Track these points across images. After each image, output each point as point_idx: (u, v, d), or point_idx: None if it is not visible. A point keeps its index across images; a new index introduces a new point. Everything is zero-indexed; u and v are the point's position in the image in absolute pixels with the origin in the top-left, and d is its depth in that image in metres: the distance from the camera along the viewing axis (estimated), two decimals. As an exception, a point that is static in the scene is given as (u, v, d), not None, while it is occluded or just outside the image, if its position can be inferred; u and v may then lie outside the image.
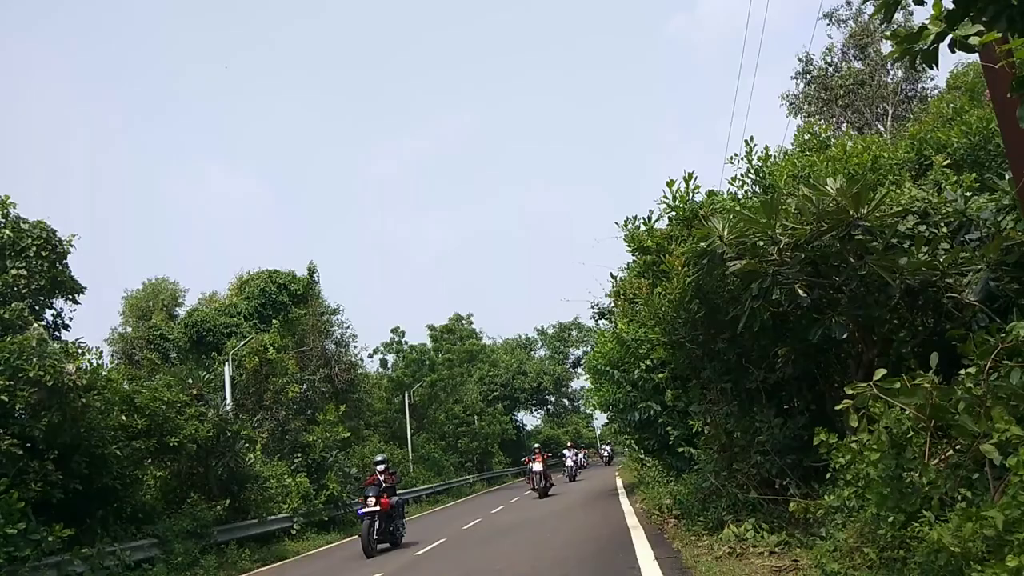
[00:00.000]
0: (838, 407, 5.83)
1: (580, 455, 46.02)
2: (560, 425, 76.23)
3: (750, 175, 15.10)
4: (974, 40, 3.45)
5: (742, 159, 15.18)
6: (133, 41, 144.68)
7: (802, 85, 32.25)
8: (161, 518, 14.99)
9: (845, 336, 7.50)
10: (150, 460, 15.89)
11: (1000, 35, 3.53)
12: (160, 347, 34.55)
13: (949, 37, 3.94)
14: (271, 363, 24.63)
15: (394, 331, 55.47)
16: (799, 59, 32.16)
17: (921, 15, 30.85)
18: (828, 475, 6.63)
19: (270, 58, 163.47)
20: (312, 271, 39.64)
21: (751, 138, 15.54)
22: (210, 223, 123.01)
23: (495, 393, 62.15)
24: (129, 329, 37.05)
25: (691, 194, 14.60)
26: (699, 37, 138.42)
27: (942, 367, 5.60)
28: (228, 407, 20.81)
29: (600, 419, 49.05)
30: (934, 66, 4.21)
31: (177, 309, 39.53)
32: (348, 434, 23.91)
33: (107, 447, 13.37)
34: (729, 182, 15.40)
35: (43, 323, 16.43)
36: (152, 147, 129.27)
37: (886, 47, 27.61)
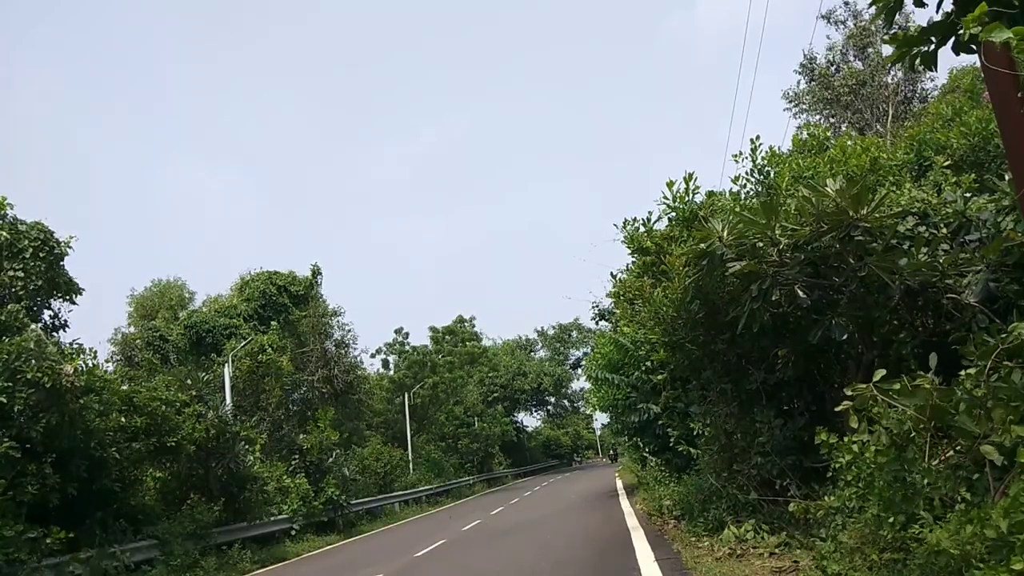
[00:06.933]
0: (838, 408, 5.81)
1: None
2: (560, 426, 76.19)
3: (754, 174, 15.08)
4: (1000, 37, 3.34)
5: (746, 158, 15.16)
6: (134, 42, 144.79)
7: (804, 82, 32.24)
8: (161, 519, 14.97)
9: (845, 337, 7.48)
10: (148, 461, 15.85)
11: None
12: (159, 348, 34.46)
13: (952, 40, 3.95)
14: (266, 364, 24.59)
15: (397, 332, 55.28)
16: (804, 53, 32.19)
17: (921, 18, 30.85)
18: (829, 475, 6.62)
19: (271, 59, 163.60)
20: (316, 272, 39.58)
21: (756, 137, 15.54)
22: (213, 225, 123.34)
23: (495, 394, 62.07)
24: (133, 329, 36.99)
25: (691, 195, 14.60)
26: (699, 38, 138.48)
27: (942, 368, 5.58)
28: (227, 408, 20.77)
29: (601, 419, 48.80)
30: (933, 69, 4.22)
31: (181, 312, 39.41)
32: (337, 437, 23.80)
33: (106, 449, 13.35)
34: (732, 180, 15.37)
35: (40, 324, 16.38)
36: (152, 148, 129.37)
37: (886, 49, 27.60)
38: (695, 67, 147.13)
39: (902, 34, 4.17)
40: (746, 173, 15.15)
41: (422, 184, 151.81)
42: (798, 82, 32.51)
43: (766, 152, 15.26)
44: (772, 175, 14.75)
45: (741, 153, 15.10)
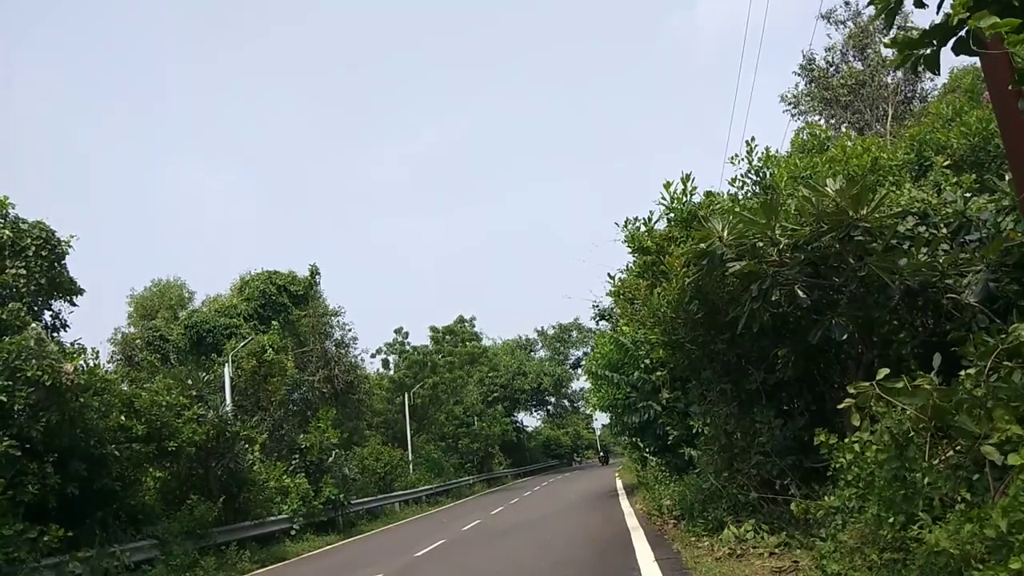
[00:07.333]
0: (840, 406, 5.81)
1: None
2: (560, 426, 76.15)
3: (751, 175, 15.07)
4: (987, 23, 3.36)
5: (743, 159, 15.16)
6: (134, 42, 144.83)
7: (803, 83, 32.24)
8: (161, 519, 14.96)
9: (845, 337, 7.48)
10: (147, 463, 15.85)
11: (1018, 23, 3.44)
12: (160, 348, 34.48)
13: (952, 40, 3.94)
14: (268, 364, 24.59)
15: (397, 331, 55.32)
16: (803, 54, 32.20)
17: (921, 19, 30.82)
18: (829, 475, 6.62)
19: (271, 59, 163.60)
20: (314, 272, 39.60)
21: (752, 138, 15.53)
22: (213, 225, 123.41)
23: (495, 394, 62.05)
24: (133, 329, 36.99)
25: (689, 195, 14.58)
26: (699, 38, 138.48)
27: (942, 368, 5.59)
28: (228, 408, 20.78)
29: (601, 419, 48.71)
30: (936, 72, 4.21)
31: (181, 312, 39.40)
32: (337, 437, 23.80)
33: (106, 448, 13.34)
34: (730, 182, 15.38)
35: (41, 324, 16.41)
36: (152, 148, 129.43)
37: (886, 49, 27.55)
38: (695, 67, 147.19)
39: (902, 36, 4.16)
40: (743, 174, 15.16)
41: (422, 184, 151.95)
42: (797, 84, 32.56)
43: (762, 153, 15.26)
44: (769, 176, 14.75)
45: (738, 156, 15.12)
